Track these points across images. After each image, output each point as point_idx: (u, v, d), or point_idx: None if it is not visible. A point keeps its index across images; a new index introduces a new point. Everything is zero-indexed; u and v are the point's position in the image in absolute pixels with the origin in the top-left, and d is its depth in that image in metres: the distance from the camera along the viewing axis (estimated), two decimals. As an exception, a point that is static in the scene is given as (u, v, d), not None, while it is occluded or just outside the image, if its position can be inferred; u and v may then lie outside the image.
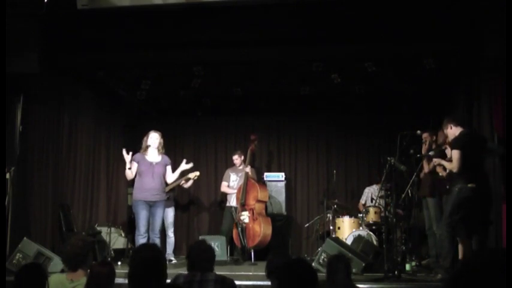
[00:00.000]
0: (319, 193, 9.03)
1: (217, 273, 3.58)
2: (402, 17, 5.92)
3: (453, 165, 5.46)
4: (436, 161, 6.11)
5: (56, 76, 6.99)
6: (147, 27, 6.21)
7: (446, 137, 6.01)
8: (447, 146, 5.94)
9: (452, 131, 5.66)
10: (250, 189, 7.97)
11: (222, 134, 9.50)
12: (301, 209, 9.20)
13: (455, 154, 5.44)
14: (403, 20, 5.96)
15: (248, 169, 8.02)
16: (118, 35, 6.36)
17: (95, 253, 6.98)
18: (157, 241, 6.70)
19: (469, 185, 5.38)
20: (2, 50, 5.71)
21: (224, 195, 8.54)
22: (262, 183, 8.46)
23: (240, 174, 8.19)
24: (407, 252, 6.70)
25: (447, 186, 5.84)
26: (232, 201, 8.12)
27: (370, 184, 8.48)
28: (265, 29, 6.20)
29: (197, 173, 7.99)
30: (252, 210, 7.84)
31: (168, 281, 3.40)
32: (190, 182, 8.02)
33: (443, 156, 6.01)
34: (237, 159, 8.26)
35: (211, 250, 3.62)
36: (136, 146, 7.21)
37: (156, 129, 6.97)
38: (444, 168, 5.98)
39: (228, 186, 8.27)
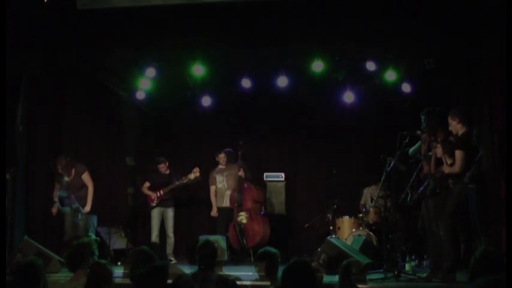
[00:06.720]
0: (319, 193, 9.01)
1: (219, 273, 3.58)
2: (402, 17, 5.93)
3: (455, 166, 5.43)
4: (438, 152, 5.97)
5: (56, 76, 6.99)
6: (147, 27, 6.21)
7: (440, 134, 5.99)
8: (438, 146, 5.89)
9: (457, 127, 5.54)
10: (246, 191, 7.92)
11: (222, 134, 9.49)
12: (301, 209, 9.18)
13: (458, 154, 5.39)
14: (403, 20, 5.97)
15: (241, 172, 7.93)
16: (118, 35, 6.37)
17: (94, 253, 6.98)
18: None
19: (470, 186, 5.37)
20: (2, 50, 5.72)
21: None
22: (257, 185, 8.43)
23: (225, 174, 8.15)
24: (407, 252, 6.70)
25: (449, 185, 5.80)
26: (226, 202, 8.02)
27: (369, 185, 8.47)
28: (264, 29, 6.21)
29: (197, 173, 8.00)
30: (249, 211, 7.82)
31: (170, 281, 3.40)
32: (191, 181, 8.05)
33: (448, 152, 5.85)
34: (223, 157, 8.18)
35: (213, 246, 3.63)
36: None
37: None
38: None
39: (216, 188, 8.14)
